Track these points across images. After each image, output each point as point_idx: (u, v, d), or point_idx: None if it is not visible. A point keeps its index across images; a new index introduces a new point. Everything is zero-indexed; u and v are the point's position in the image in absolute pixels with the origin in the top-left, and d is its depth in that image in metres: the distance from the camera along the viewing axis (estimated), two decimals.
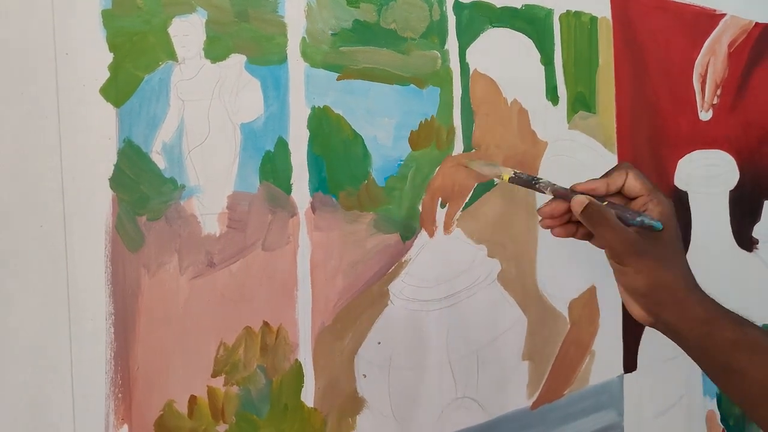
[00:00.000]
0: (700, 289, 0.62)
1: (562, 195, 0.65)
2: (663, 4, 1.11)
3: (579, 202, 0.62)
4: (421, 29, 0.80)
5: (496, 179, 0.84)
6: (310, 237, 0.72)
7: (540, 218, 0.67)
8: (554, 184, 0.66)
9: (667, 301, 0.60)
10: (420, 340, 0.82)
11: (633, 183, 0.63)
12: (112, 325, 0.60)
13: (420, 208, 0.81)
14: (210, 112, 0.65)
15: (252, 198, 0.68)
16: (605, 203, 0.63)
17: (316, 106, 0.72)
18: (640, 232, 0.61)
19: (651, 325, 0.63)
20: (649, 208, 0.62)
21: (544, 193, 0.67)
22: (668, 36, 1.12)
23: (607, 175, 0.64)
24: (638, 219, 0.62)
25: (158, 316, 0.63)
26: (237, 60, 0.67)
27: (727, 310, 0.60)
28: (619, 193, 0.64)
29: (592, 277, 1.01)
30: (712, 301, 0.61)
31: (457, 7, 0.84)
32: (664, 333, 0.63)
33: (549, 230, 0.67)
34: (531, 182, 0.68)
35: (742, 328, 0.58)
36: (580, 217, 0.62)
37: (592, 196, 0.63)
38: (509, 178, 0.69)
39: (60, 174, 0.57)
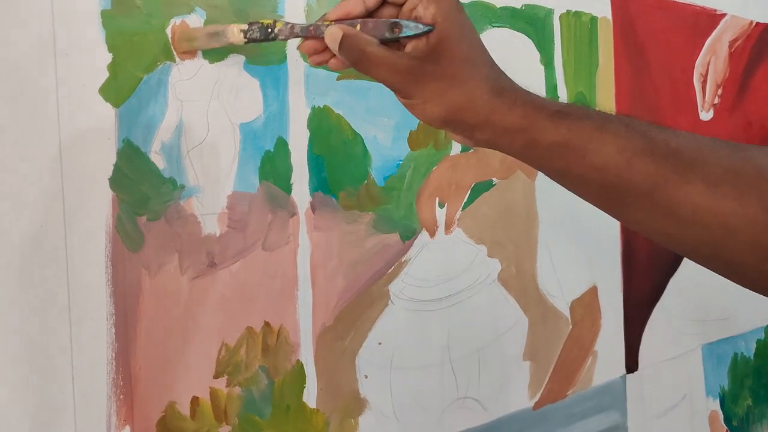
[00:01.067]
0: (514, 90, 0.50)
1: (314, 35, 0.52)
2: (663, 4, 1.11)
3: (332, 37, 0.50)
4: None
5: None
6: (309, 237, 0.72)
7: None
8: (296, 25, 0.55)
9: (472, 121, 0.48)
10: (421, 341, 0.81)
11: None
12: (113, 326, 0.60)
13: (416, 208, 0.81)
14: (209, 112, 0.65)
15: (252, 198, 0.68)
16: (358, 26, 0.50)
17: (316, 106, 0.72)
18: (416, 50, 0.49)
19: (473, 146, 0.53)
20: (419, 12, 0.49)
21: (289, 38, 0.56)
22: (668, 36, 1.12)
23: None
24: (404, 32, 0.49)
25: (159, 317, 0.62)
26: (236, 60, 0.67)
27: (550, 105, 0.49)
28: (385, 2, 0.51)
29: (593, 277, 1.00)
30: (529, 101, 0.49)
31: None
32: (490, 148, 0.52)
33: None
34: (269, 35, 0.56)
35: (563, 125, 0.47)
36: (340, 54, 0.50)
37: (350, 23, 0.50)
38: (245, 42, 0.58)
39: (60, 174, 0.57)
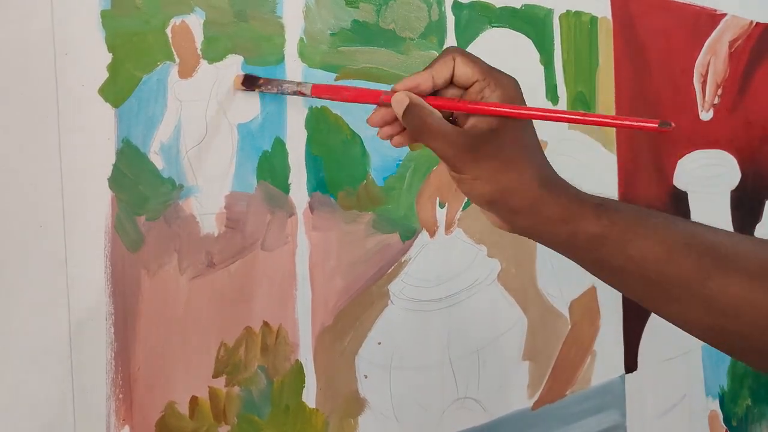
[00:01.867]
0: (560, 182, 0.52)
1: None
2: (663, 4, 1.11)
3: (399, 101, 0.51)
4: (420, 29, 0.80)
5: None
6: (308, 237, 0.72)
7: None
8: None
9: (517, 206, 0.50)
10: (421, 341, 0.81)
11: (463, 69, 0.51)
12: (112, 326, 0.60)
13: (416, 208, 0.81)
14: (207, 113, 0.65)
15: (250, 198, 0.68)
16: None
17: (314, 107, 0.72)
18: (474, 129, 0.50)
19: (510, 231, 0.54)
20: (486, 95, 0.50)
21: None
22: (669, 36, 1.12)
23: (431, 65, 0.52)
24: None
25: (158, 317, 0.63)
26: (234, 60, 0.67)
27: (591, 199, 0.51)
28: (452, 83, 0.52)
29: (592, 278, 1.00)
30: (572, 194, 0.51)
31: (456, 7, 0.84)
32: (528, 237, 0.54)
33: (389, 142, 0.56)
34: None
35: (604, 216, 0.49)
36: (403, 121, 0.51)
37: (418, 94, 0.51)
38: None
39: (60, 174, 0.57)
